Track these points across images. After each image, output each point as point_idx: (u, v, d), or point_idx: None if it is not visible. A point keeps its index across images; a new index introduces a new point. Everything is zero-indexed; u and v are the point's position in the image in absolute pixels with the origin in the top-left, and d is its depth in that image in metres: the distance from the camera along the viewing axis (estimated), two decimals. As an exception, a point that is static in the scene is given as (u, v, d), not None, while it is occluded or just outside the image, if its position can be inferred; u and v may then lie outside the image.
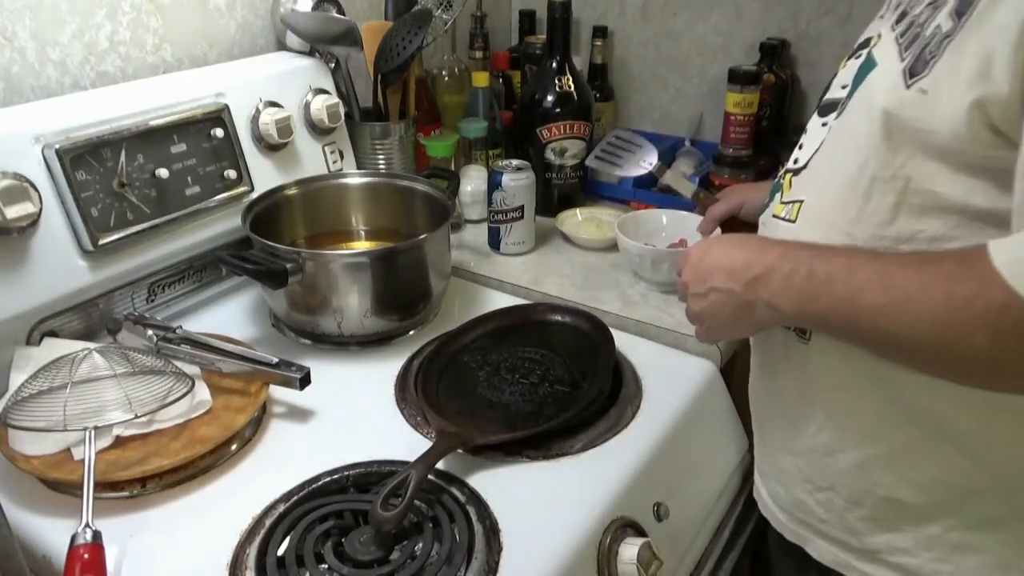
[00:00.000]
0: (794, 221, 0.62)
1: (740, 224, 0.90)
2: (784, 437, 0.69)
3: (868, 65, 0.56)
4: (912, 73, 0.50)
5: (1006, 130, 0.46)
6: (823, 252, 0.55)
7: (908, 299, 0.49)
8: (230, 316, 0.94)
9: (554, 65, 1.14)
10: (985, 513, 0.58)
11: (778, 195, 0.66)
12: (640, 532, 0.66)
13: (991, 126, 0.46)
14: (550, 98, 1.14)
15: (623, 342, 0.85)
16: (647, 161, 1.02)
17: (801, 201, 0.62)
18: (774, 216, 0.65)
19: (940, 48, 0.48)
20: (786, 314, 0.56)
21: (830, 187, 0.58)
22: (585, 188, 1.23)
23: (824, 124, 0.62)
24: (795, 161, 0.65)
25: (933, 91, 0.49)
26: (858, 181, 0.55)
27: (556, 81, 1.14)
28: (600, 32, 1.36)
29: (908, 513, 0.60)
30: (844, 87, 0.60)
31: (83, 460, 0.61)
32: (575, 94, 1.14)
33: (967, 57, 0.46)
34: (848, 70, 0.61)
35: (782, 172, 0.67)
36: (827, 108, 0.63)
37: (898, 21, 0.55)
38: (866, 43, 0.60)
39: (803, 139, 0.66)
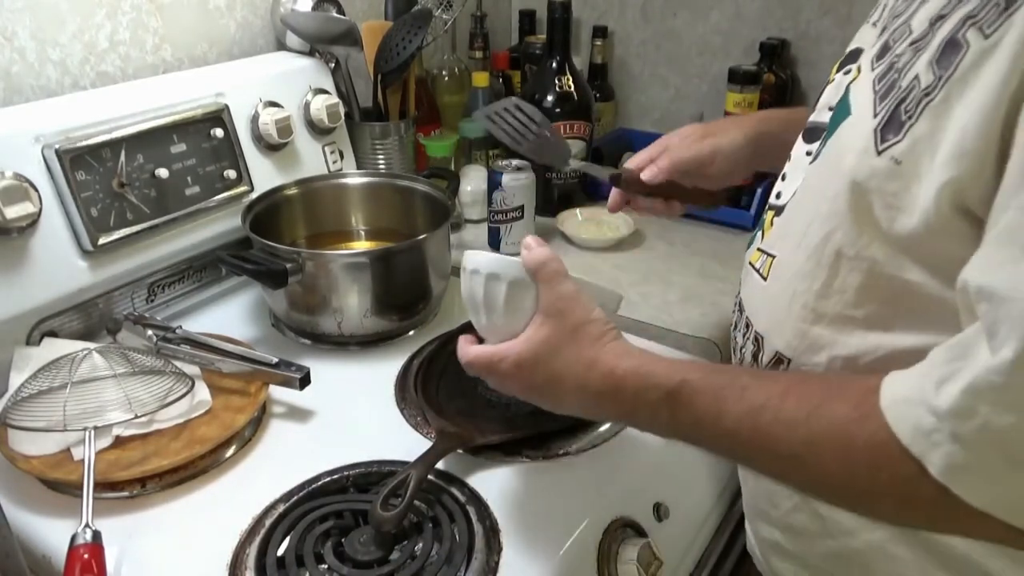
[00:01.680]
0: (766, 279, 0.54)
1: (701, 194, 0.66)
2: (760, 508, 0.64)
3: (842, 110, 0.46)
4: (884, 136, 0.41)
5: (982, 214, 0.36)
6: (683, 389, 0.46)
7: (797, 459, 0.42)
8: (230, 316, 0.94)
9: (554, 65, 1.14)
10: None
11: (759, 235, 0.58)
12: (640, 532, 0.66)
13: (963, 209, 0.37)
14: (550, 98, 1.14)
15: (623, 342, 0.85)
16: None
17: (774, 256, 0.54)
18: (750, 264, 0.57)
19: (918, 107, 0.39)
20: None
21: (797, 251, 0.50)
22: (585, 188, 1.23)
23: (808, 154, 0.53)
24: (777, 196, 0.56)
25: (908, 162, 0.39)
26: (823, 252, 0.47)
27: (556, 81, 1.14)
28: (600, 32, 1.36)
29: None
30: (831, 109, 0.50)
31: (83, 460, 0.61)
32: (575, 94, 1.14)
33: (948, 126, 0.37)
34: (835, 88, 0.51)
35: (768, 205, 0.59)
36: (810, 134, 0.53)
37: (880, 56, 0.44)
38: (856, 56, 0.50)
39: (787, 167, 0.57)
